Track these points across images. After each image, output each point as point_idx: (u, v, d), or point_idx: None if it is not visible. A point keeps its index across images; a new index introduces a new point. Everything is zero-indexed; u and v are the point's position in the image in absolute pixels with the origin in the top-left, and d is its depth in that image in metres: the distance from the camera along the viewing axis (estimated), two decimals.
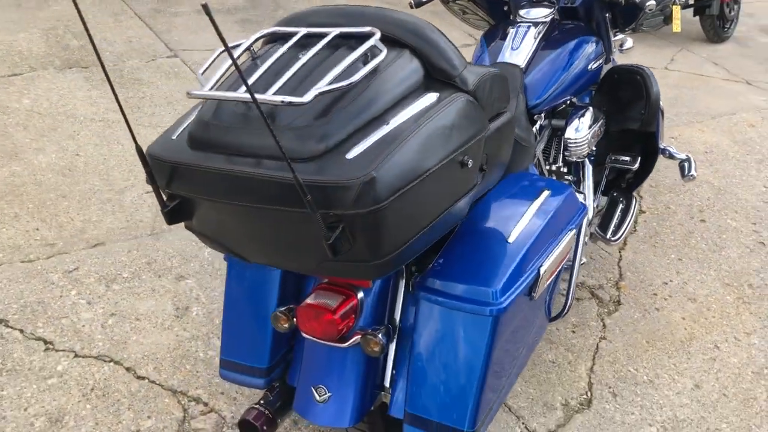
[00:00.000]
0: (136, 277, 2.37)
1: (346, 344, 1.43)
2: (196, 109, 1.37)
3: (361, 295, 1.45)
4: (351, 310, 1.42)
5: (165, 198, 1.33)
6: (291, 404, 1.60)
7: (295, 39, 1.29)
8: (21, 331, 2.11)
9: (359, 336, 1.42)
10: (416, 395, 1.42)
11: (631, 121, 2.39)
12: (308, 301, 1.42)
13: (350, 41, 1.28)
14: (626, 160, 2.48)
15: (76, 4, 1.01)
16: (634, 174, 2.56)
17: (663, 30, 4.95)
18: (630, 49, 2.46)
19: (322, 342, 1.45)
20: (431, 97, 1.28)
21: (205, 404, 1.94)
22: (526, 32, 2.27)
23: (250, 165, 1.18)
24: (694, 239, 2.90)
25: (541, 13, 2.32)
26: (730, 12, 5.41)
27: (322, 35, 1.28)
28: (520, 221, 1.50)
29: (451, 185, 1.31)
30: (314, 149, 1.14)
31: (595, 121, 2.24)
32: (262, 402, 1.61)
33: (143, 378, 2.00)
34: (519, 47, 2.23)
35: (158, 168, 1.28)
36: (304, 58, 1.22)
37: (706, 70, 4.86)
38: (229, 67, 1.23)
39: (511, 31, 2.28)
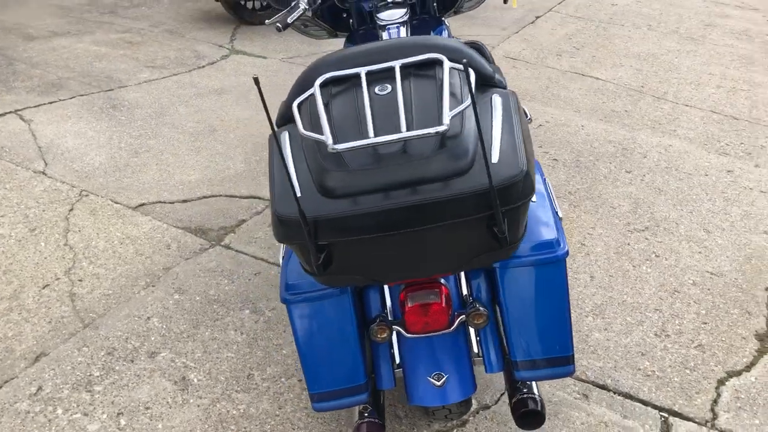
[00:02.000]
0: (110, 371, 2.27)
1: (453, 328, 1.71)
2: (294, 169, 1.46)
3: (445, 283, 1.72)
4: (449, 298, 1.70)
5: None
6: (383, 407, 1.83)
7: (363, 78, 1.45)
8: None
9: (462, 317, 1.71)
10: (518, 345, 1.75)
11: None
12: (412, 303, 1.66)
13: (418, 69, 1.50)
14: None
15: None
16: None
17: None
18: None
19: (431, 334, 1.71)
20: (497, 99, 1.53)
21: None
22: (398, 32, 2.60)
23: (410, 194, 1.35)
24: None
25: (400, 13, 2.65)
26: None
27: (389, 69, 1.47)
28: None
29: None
30: (466, 163, 1.38)
31: None
32: (366, 415, 1.81)
33: None
34: None
35: (316, 225, 1.37)
36: (399, 93, 1.40)
37: None
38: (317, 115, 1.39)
39: (384, 35, 2.58)
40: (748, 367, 2.47)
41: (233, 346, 2.40)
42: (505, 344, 1.79)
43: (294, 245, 1.48)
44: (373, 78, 1.51)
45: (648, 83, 5.12)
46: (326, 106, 1.49)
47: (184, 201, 3.20)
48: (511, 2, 2.70)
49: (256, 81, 1.12)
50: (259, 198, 3.26)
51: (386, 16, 2.65)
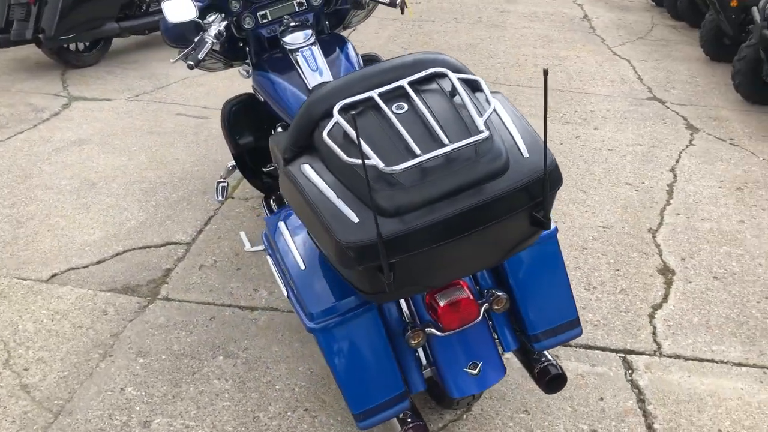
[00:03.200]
0: None
1: (480, 317, 1.87)
2: (339, 198, 1.51)
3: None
4: (471, 291, 1.85)
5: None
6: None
7: (379, 100, 1.55)
8: None
9: (486, 305, 1.88)
10: (533, 319, 1.95)
11: None
12: (443, 303, 1.79)
13: (420, 85, 1.61)
14: None
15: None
16: None
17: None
18: None
19: (462, 328, 1.85)
20: (495, 101, 1.67)
21: None
22: (312, 54, 2.67)
23: (476, 195, 1.48)
24: None
25: (305, 35, 2.72)
26: None
27: (398, 88, 1.58)
28: None
29: None
30: (504, 162, 1.52)
31: None
32: (409, 420, 1.92)
33: None
34: (318, 67, 2.62)
35: (392, 244, 1.44)
36: (423, 109, 1.52)
37: None
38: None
39: (299, 58, 2.63)
40: (665, 299, 2.90)
41: (224, 394, 2.35)
42: (519, 322, 1.98)
43: (354, 270, 1.53)
44: (384, 99, 1.58)
45: (478, 72, 5.59)
46: (356, 127, 1.54)
47: (99, 262, 3.02)
48: (407, 12, 2.89)
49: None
50: (175, 243, 3.16)
51: (292, 39, 2.72)
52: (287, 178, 1.65)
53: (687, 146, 4.34)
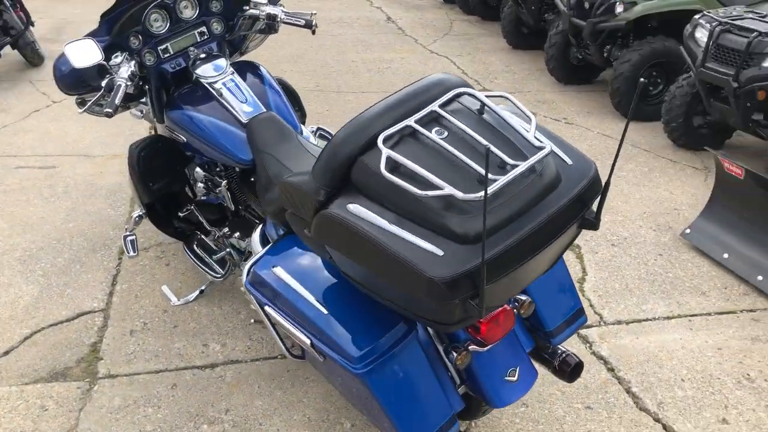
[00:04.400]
0: None
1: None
2: (411, 233, 1.47)
3: None
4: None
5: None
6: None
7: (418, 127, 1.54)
8: None
9: (514, 311, 1.93)
10: (548, 317, 2.05)
11: None
12: (486, 318, 1.82)
13: (449, 105, 1.61)
14: None
15: None
16: None
17: None
18: None
19: (501, 338, 1.89)
20: (533, 115, 1.70)
21: None
22: (236, 84, 2.52)
23: (548, 207, 1.51)
24: None
25: (220, 65, 2.57)
26: None
27: (430, 113, 1.57)
28: None
29: None
30: (557, 173, 1.58)
31: None
32: None
33: None
34: (246, 98, 2.49)
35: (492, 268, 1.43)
36: (471, 132, 1.52)
37: None
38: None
39: (223, 90, 2.48)
40: (585, 272, 3.18)
41: None
42: (536, 321, 2.07)
43: (440, 304, 1.50)
44: (421, 126, 1.56)
45: (320, 83, 5.60)
46: (417, 152, 1.51)
47: (7, 353, 2.58)
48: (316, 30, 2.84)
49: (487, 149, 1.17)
50: (88, 312, 2.80)
51: (206, 71, 2.56)
52: (334, 221, 1.56)
53: None
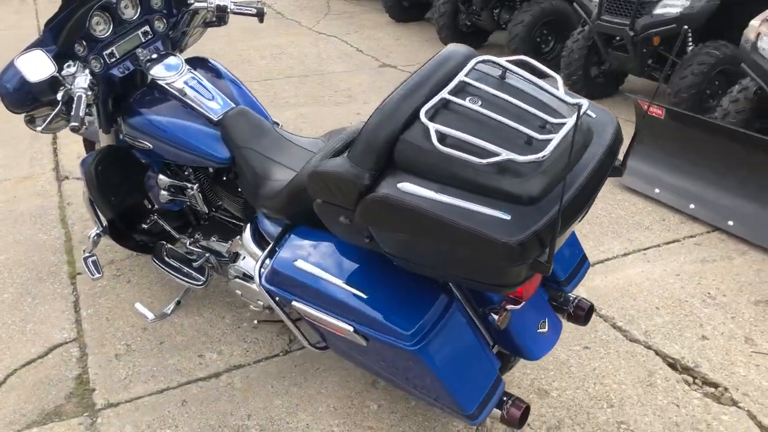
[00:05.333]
0: None
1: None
2: (474, 203, 1.49)
3: None
4: None
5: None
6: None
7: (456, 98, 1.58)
8: None
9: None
10: (559, 267, 2.15)
11: None
12: None
13: (474, 73, 1.66)
14: None
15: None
16: None
17: None
18: None
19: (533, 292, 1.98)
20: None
21: None
22: (199, 81, 2.43)
23: (591, 159, 1.60)
24: None
25: (176, 64, 2.47)
26: None
27: (459, 84, 1.61)
28: None
29: None
30: (588, 126, 1.68)
31: None
32: (505, 399, 1.98)
33: None
34: (212, 95, 2.41)
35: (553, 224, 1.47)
36: (507, 97, 1.57)
37: None
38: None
39: (186, 90, 2.38)
40: None
41: None
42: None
43: (513, 267, 1.55)
44: (463, 89, 1.61)
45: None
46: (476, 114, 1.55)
47: None
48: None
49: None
50: (61, 345, 2.60)
51: (163, 72, 2.45)
52: (388, 203, 1.55)
53: None
